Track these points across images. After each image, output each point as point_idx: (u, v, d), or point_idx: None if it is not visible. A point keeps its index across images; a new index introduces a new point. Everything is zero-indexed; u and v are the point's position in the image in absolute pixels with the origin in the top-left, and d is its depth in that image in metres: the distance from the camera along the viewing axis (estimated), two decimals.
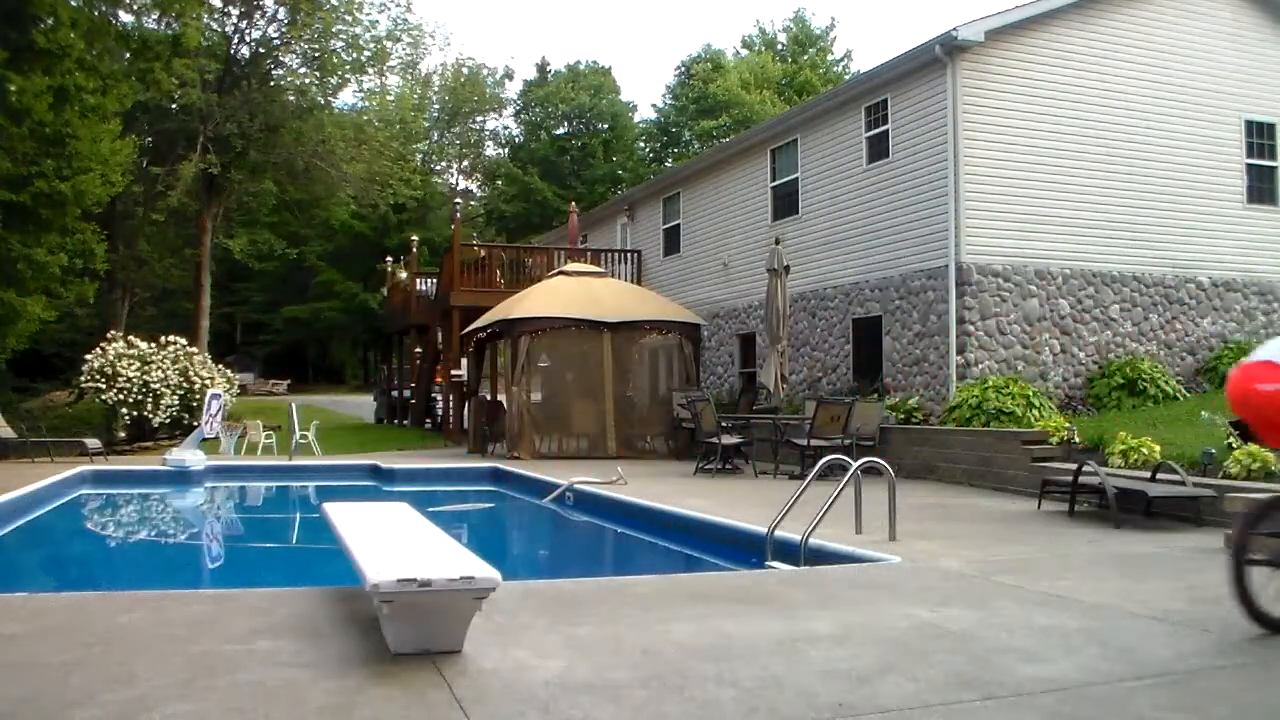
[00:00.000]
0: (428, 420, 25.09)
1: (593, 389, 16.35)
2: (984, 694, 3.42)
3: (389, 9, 36.09)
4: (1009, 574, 5.79)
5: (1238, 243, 14.99)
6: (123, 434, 19.81)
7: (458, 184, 58.75)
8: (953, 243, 13.24)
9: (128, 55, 21.86)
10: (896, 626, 4.41)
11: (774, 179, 17.57)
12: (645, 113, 58.94)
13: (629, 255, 22.84)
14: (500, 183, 54.22)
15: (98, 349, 19.91)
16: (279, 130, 31.71)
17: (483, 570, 3.80)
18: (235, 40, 32.28)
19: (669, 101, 54.52)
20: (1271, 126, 15.19)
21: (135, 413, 19.58)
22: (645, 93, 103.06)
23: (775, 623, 4.45)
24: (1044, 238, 13.75)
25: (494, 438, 17.13)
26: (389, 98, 38.91)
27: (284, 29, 32.18)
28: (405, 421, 26.55)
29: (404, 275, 28.31)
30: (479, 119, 56.44)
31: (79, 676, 3.48)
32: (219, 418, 16.74)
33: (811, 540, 6.38)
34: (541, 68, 56.10)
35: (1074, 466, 9.01)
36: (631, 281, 21.27)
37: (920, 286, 13.92)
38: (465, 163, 59.22)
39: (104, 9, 21.35)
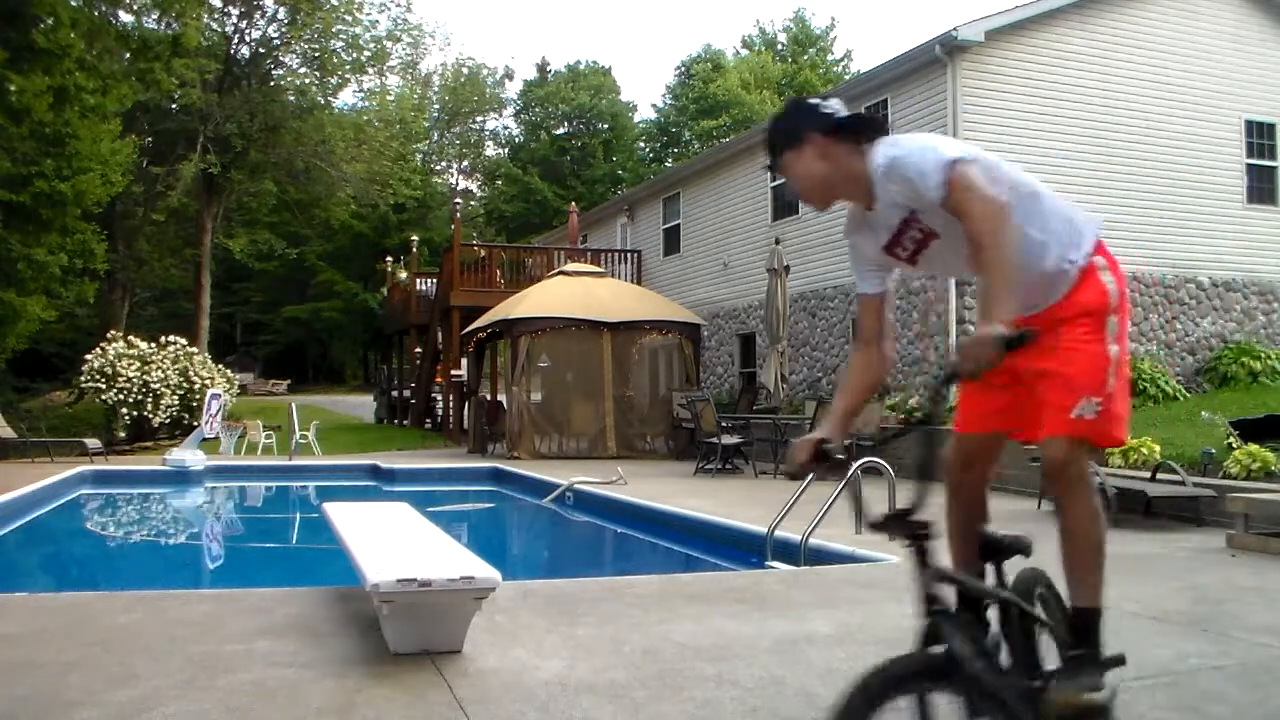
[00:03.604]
0: (428, 420, 25.10)
1: (592, 389, 16.35)
2: None
3: (389, 9, 36.07)
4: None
5: (1238, 243, 14.99)
6: (123, 434, 19.79)
7: (458, 184, 58.74)
8: None
9: (128, 55, 21.85)
10: (897, 626, 4.40)
11: (774, 179, 17.57)
12: (645, 113, 58.91)
13: (629, 255, 22.84)
14: (500, 183, 54.20)
15: (98, 349, 19.90)
16: (279, 130, 31.69)
17: (483, 570, 3.80)
18: (235, 40, 32.27)
19: (669, 101, 54.49)
20: (1271, 126, 15.19)
21: (135, 413, 19.57)
22: (645, 93, 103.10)
23: (775, 623, 4.45)
24: None
25: (494, 438, 17.13)
26: (389, 98, 38.86)
27: (284, 29, 32.17)
28: (405, 421, 26.56)
29: (404, 275, 28.32)
30: (479, 119, 56.43)
31: (79, 676, 3.48)
32: (219, 418, 16.75)
33: (811, 540, 6.38)
34: (541, 68, 56.09)
35: None
36: (631, 281, 21.26)
37: (920, 286, 13.92)
38: (465, 163, 59.20)
39: (104, 9, 21.35)
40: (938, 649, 2.02)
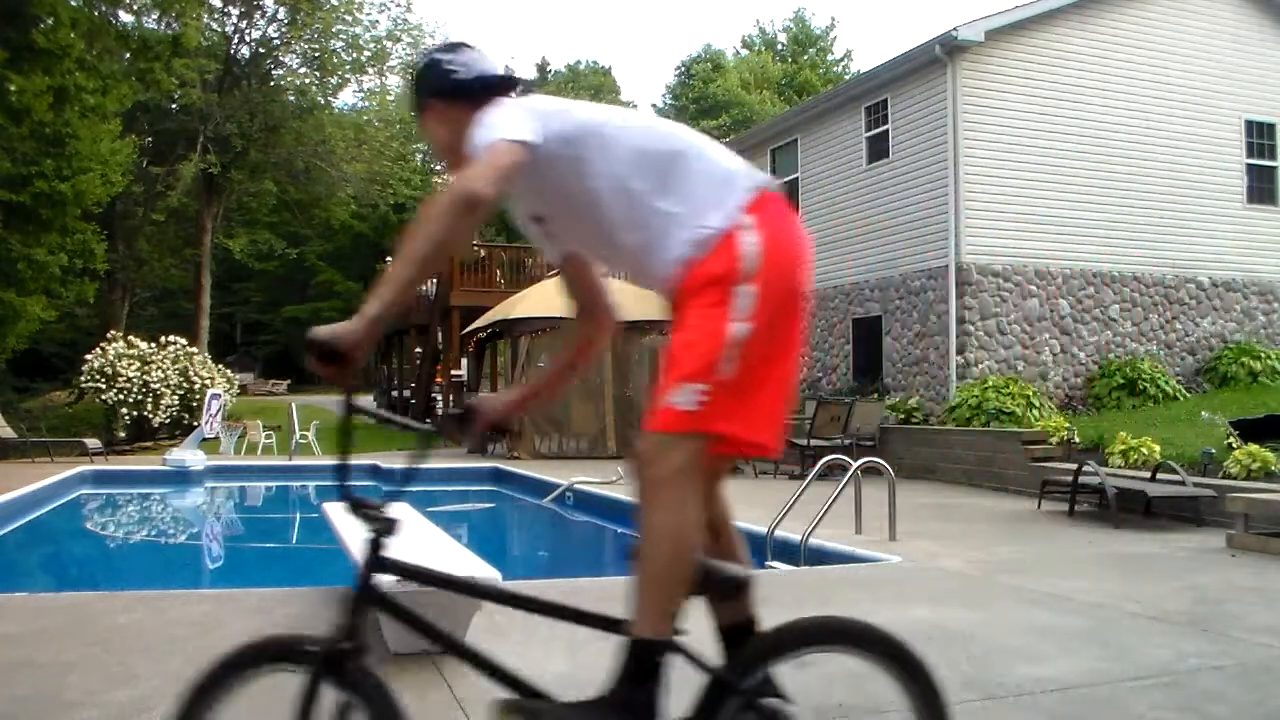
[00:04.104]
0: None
1: (592, 389, 16.34)
2: (984, 694, 3.41)
3: (389, 9, 36.15)
4: (1009, 574, 5.79)
5: (1238, 243, 14.98)
6: (123, 434, 19.80)
7: None
8: (953, 243, 13.24)
9: (128, 55, 21.88)
10: (897, 626, 4.40)
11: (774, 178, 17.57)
12: (645, 113, 59.04)
13: None
14: None
15: (98, 349, 19.90)
16: (279, 130, 31.72)
17: (483, 570, 3.79)
18: (235, 40, 32.29)
19: (669, 101, 54.53)
20: (1271, 126, 15.19)
21: (135, 413, 19.57)
22: (645, 93, 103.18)
23: (775, 623, 4.44)
24: (1044, 238, 13.75)
25: (494, 438, 17.10)
26: (389, 98, 38.86)
27: (284, 29, 32.19)
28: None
29: None
30: None
31: (79, 676, 3.47)
32: (219, 417, 16.75)
33: (811, 540, 6.38)
34: (541, 68, 56.17)
35: (1074, 466, 9.02)
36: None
37: (920, 286, 13.92)
38: None
39: (104, 9, 21.38)
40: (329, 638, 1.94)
